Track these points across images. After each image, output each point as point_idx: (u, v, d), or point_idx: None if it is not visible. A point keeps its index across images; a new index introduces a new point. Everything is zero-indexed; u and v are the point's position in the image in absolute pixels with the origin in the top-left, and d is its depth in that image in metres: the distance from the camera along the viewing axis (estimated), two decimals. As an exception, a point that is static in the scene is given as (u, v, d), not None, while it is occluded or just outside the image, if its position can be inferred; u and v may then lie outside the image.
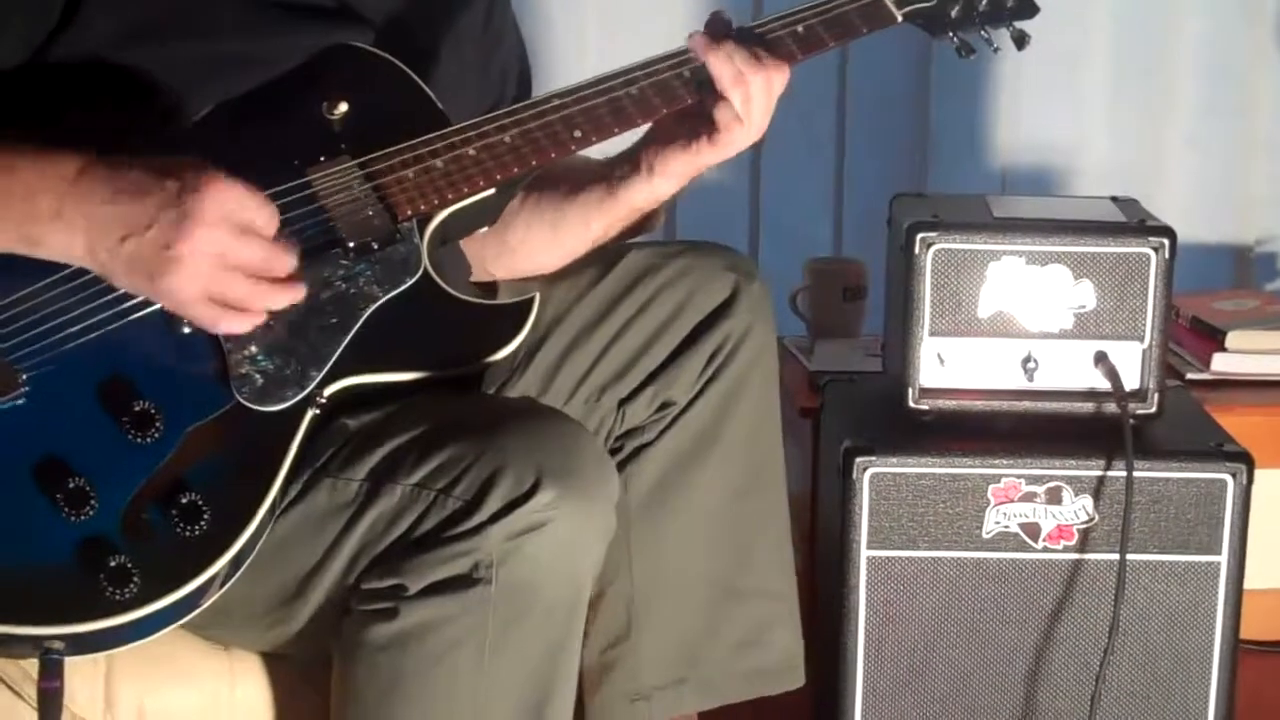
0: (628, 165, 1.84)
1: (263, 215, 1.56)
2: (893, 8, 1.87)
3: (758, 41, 1.80)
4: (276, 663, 1.77)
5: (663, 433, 1.88)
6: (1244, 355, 2.59)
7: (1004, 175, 3.12)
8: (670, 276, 1.88)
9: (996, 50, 1.94)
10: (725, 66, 1.77)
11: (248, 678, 1.77)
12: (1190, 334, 2.65)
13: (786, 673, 1.98)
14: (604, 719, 1.91)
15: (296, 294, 1.59)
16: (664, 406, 1.87)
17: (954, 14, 1.91)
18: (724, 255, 1.92)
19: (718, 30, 1.80)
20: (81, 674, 1.69)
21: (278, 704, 1.78)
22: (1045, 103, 3.10)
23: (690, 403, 1.87)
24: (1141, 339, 2.07)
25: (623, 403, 1.87)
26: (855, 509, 2.05)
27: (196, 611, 1.56)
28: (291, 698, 1.77)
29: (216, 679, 1.76)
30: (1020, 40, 1.93)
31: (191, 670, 1.76)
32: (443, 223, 1.72)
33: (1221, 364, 2.59)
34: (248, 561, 1.58)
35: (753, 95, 1.77)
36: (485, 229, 1.86)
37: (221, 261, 1.53)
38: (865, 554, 2.06)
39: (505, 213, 1.91)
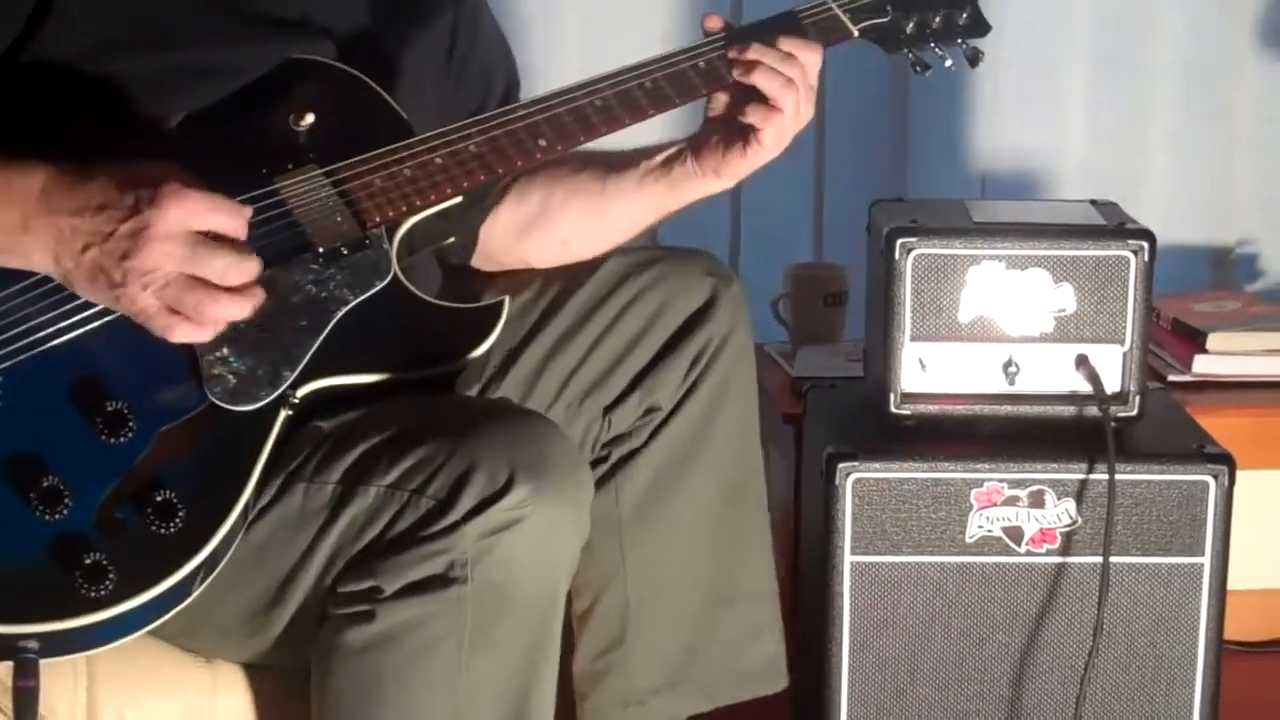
0: (692, 164, 1.86)
1: (226, 220, 1.56)
2: (848, 22, 1.90)
3: (780, 33, 1.83)
4: (258, 673, 1.77)
5: (651, 438, 1.90)
6: (1225, 357, 2.59)
7: (983, 179, 3.12)
8: (648, 282, 1.90)
9: (951, 68, 1.96)
10: (771, 80, 1.80)
11: (229, 689, 1.77)
12: (1171, 336, 2.65)
13: (772, 675, 2.01)
14: None
15: (252, 301, 1.58)
16: (649, 411, 1.89)
17: (908, 30, 1.93)
18: (701, 260, 1.94)
19: (737, 37, 1.83)
20: (62, 686, 1.70)
21: (259, 715, 1.78)
22: (1024, 106, 3.10)
23: (676, 407, 1.90)
24: (1122, 342, 2.07)
25: (608, 409, 1.89)
26: (838, 515, 2.04)
27: (172, 613, 1.57)
28: (273, 709, 1.77)
29: (198, 690, 1.76)
30: (974, 58, 1.96)
31: (173, 682, 1.76)
32: (410, 231, 1.74)
33: (1203, 366, 2.59)
34: (223, 562, 1.59)
35: (801, 95, 1.81)
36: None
37: (177, 274, 1.54)
38: (849, 560, 2.05)
39: (555, 209, 1.93)
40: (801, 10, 1.88)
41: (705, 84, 1.83)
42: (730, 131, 1.84)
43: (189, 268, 1.54)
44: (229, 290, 1.56)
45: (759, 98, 1.81)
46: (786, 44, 1.81)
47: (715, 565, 1.94)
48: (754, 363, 1.96)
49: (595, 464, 1.89)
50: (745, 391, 1.94)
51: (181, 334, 1.57)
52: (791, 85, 1.80)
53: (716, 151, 1.85)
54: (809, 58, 1.82)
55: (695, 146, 1.87)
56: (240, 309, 1.57)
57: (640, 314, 1.89)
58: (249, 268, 1.57)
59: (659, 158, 1.89)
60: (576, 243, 1.95)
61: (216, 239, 1.55)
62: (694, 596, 1.94)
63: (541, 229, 1.95)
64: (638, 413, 1.89)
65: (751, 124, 1.82)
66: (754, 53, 1.81)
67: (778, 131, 1.83)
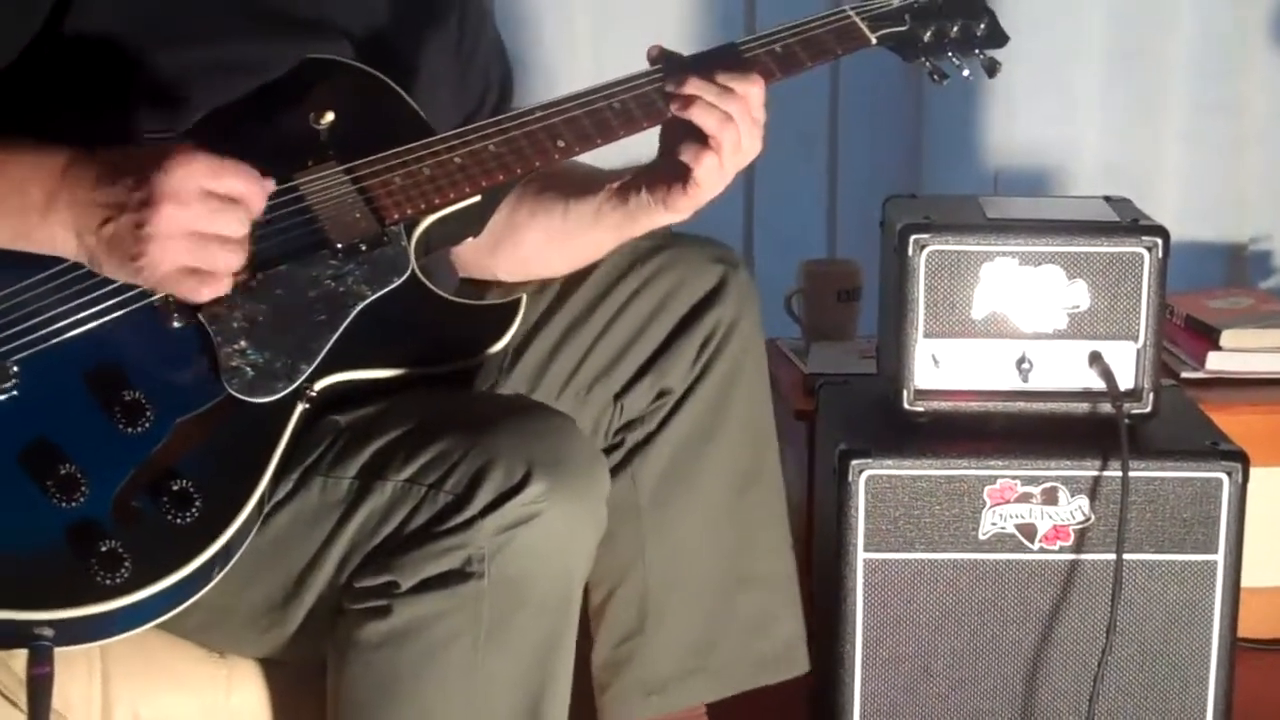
0: (646, 195, 1.84)
1: (236, 182, 1.56)
2: (867, 31, 1.90)
3: (719, 67, 1.79)
4: (272, 669, 1.77)
5: (664, 423, 1.91)
6: (1239, 354, 2.59)
7: (997, 176, 3.11)
8: (657, 268, 1.90)
9: (968, 78, 1.96)
10: (709, 115, 1.77)
11: (244, 684, 1.77)
12: (1185, 333, 2.65)
13: (791, 659, 2.01)
14: (618, 714, 1.94)
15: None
16: (661, 395, 1.90)
17: (926, 39, 1.93)
18: (709, 246, 1.95)
19: (676, 71, 1.79)
20: (78, 681, 1.70)
21: (274, 710, 1.78)
22: (1038, 103, 3.10)
23: (688, 391, 1.90)
24: (1136, 338, 2.07)
25: (619, 395, 1.89)
26: (851, 512, 2.05)
27: (187, 604, 1.57)
28: (287, 704, 1.78)
29: (213, 685, 1.76)
30: (991, 68, 1.97)
31: (188, 677, 1.76)
32: (427, 229, 1.74)
33: (1216, 363, 2.59)
34: (239, 553, 1.60)
35: (741, 130, 1.78)
36: (470, 239, 1.88)
37: (196, 235, 1.55)
38: (862, 557, 2.06)
39: (518, 226, 1.92)
40: (802, 23, 1.88)
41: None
42: (675, 167, 1.80)
43: (204, 226, 1.55)
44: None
45: (695, 134, 1.78)
46: (724, 78, 1.78)
47: (732, 549, 1.95)
48: (764, 346, 1.96)
49: (610, 451, 1.90)
50: (756, 374, 1.94)
51: (206, 293, 1.58)
52: (730, 121, 1.77)
53: (663, 186, 1.82)
54: (748, 90, 1.78)
55: (647, 180, 1.84)
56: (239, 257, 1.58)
57: (649, 299, 1.90)
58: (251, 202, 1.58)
59: (614, 185, 1.87)
60: (536, 262, 1.94)
61: (228, 199, 1.56)
62: (711, 581, 1.94)
63: (506, 245, 1.95)
64: (649, 397, 1.90)
65: (685, 162, 1.78)
66: (691, 87, 1.78)
67: (712, 169, 1.78)
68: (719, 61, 1.80)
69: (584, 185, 1.89)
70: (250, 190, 1.58)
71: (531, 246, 1.93)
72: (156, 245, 1.53)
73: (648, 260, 1.91)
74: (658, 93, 1.80)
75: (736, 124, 1.77)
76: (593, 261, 1.91)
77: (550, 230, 1.92)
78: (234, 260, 1.57)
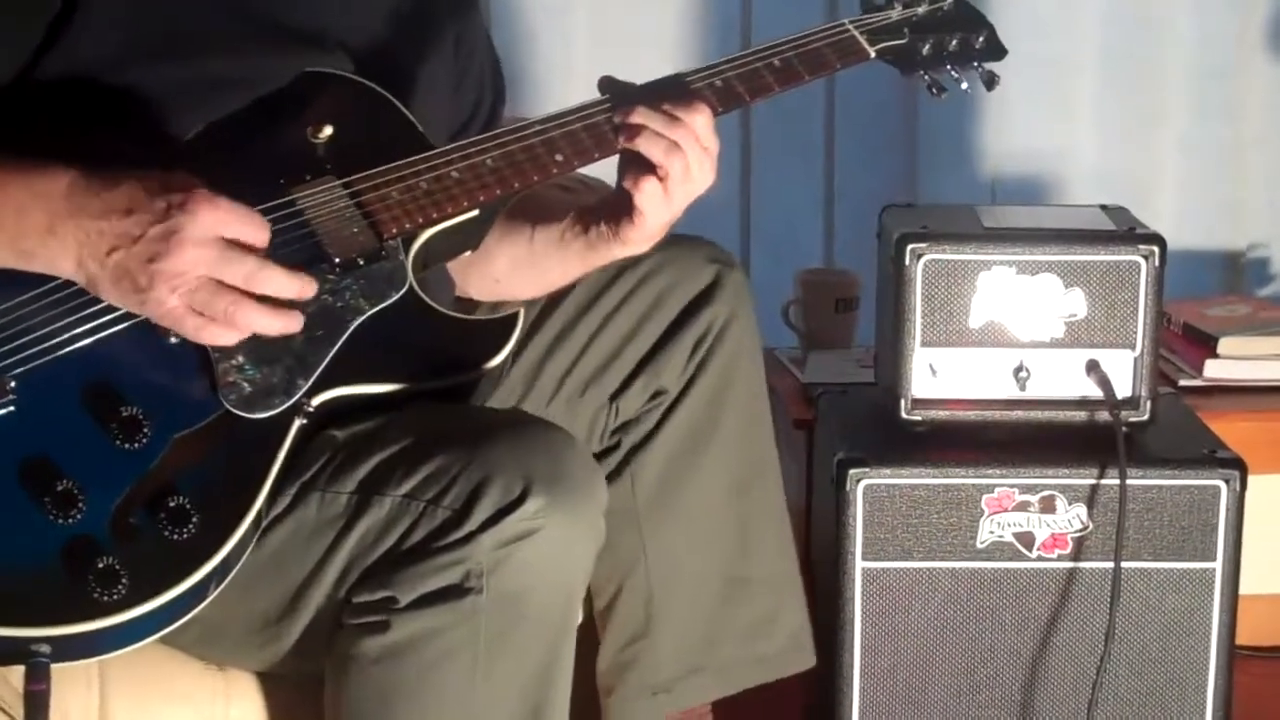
0: (605, 227, 1.82)
1: (251, 230, 1.57)
2: (865, 44, 1.90)
3: (663, 96, 1.77)
4: (271, 682, 1.77)
5: (660, 424, 1.91)
6: (1236, 361, 2.59)
7: (993, 185, 3.12)
8: (650, 268, 1.91)
9: (967, 91, 1.96)
10: (655, 144, 1.75)
11: (242, 697, 1.77)
12: (1182, 340, 2.65)
13: (796, 653, 2.01)
14: (624, 716, 1.94)
15: (287, 323, 1.60)
16: (656, 395, 1.91)
17: (925, 52, 1.94)
18: (703, 246, 1.95)
19: (623, 100, 1.78)
20: (76, 693, 1.70)
21: (273, 723, 1.78)
22: (1034, 111, 3.10)
23: (683, 391, 1.91)
24: (1133, 347, 2.07)
25: (614, 397, 1.90)
26: (849, 521, 2.05)
27: (184, 620, 1.57)
28: (286, 717, 1.77)
29: (211, 699, 1.76)
30: (990, 81, 1.97)
31: (186, 690, 1.76)
32: (425, 244, 1.74)
33: (1214, 370, 2.59)
34: (236, 568, 1.60)
35: (690, 159, 1.75)
36: (469, 252, 1.88)
37: (207, 277, 1.55)
38: (860, 565, 2.06)
39: (489, 248, 1.92)
40: (800, 36, 1.87)
41: (722, 103, 1.82)
42: (626, 198, 1.78)
43: (215, 272, 1.55)
44: (264, 302, 1.57)
45: (644, 164, 1.76)
46: (670, 106, 1.75)
47: (732, 548, 1.95)
48: (759, 344, 1.96)
49: (607, 453, 1.91)
50: (751, 373, 1.94)
51: (210, 336, 1.58)
52: (677, 149, 1.75)
53: (614, 219, 1.80)
54: (694, 118, 1.75)
55: (604, 212, 1.82)
56: (272, 323, 1.58)
57: (643, 300, 1.90)
58: (275, 277, 1.58)
59: (575, 214, 1.85)
60: (507, 283, 1.94)
61: (241, 247, 1.56)
62: (713, 580, 1.95)
63: (478, 264, 1.94)
64: (644, 397, 1.90)
65: (628, 190, 1.77)
66: (638, 117, 1.75)
67: (655, 196, 1.75)
68: (666, 91, 1.78)
69: (550, 212, 1.88)
70: (263, 239, 1.58)
71: (501, 270, 1.94)
72: (167, 281, 1.54)
73: (641, 261, 1.90)
74: (608, 123, 1.78)
75: (685, 153, 1.75)
76: (563, 287, 1.91)
77: (517, 255, 1.92)
78: (241, 315, 1.56)
